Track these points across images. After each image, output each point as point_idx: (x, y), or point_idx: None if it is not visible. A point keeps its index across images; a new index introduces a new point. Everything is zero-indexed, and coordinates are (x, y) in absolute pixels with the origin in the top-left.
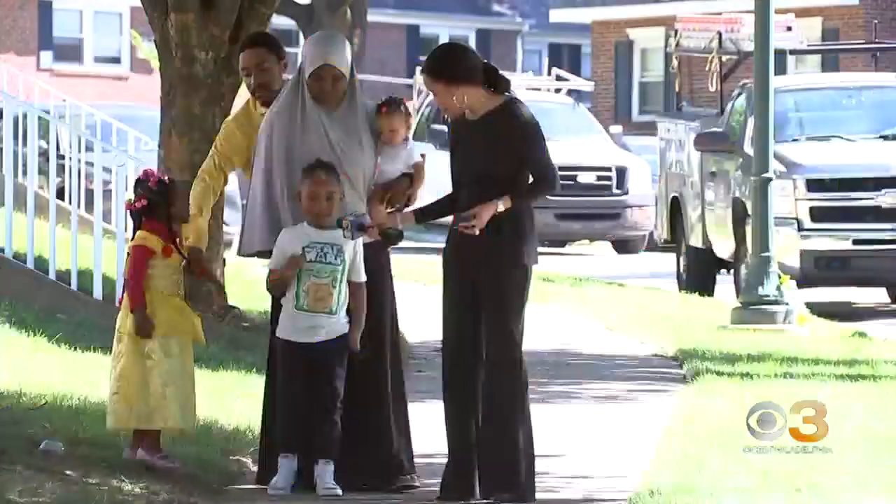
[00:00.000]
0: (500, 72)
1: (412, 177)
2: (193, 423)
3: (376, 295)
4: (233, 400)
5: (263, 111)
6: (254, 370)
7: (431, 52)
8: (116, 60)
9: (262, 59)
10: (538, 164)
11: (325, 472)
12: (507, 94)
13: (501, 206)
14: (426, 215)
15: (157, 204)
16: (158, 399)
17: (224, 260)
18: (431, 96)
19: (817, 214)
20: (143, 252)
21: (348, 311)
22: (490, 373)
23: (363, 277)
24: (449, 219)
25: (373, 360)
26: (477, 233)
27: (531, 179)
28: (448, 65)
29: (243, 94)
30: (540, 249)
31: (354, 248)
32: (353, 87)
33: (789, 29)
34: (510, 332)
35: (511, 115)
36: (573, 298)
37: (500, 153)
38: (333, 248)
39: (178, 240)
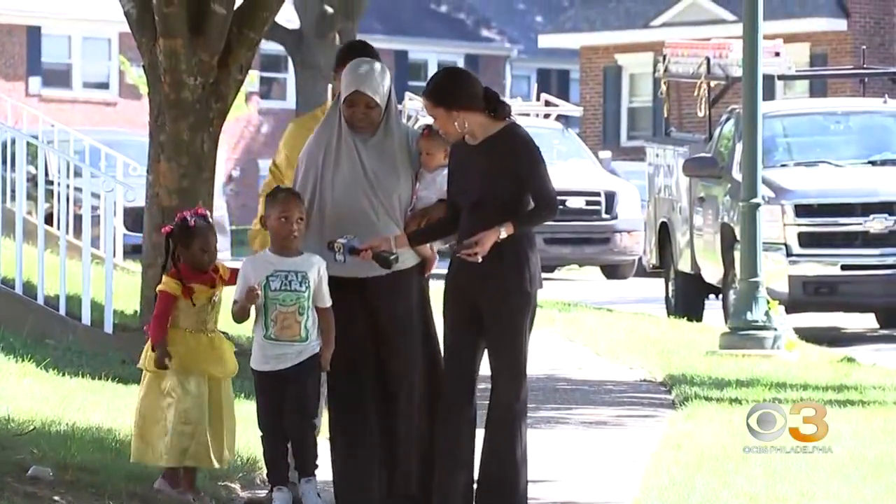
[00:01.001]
0: (501, 97)
1: None
2: (223, 457)
3: (403, 334)
4: None
5: None
6: (242, 395)
7: (432, 77)
8: (105, 86)
9: None
10: (540, 189)
11: (308, 491)
12: (507, 119)
13: (504, 233)
14: (420, 238)
15: (174, 238)
16: (177, 437)
17: None
18: (421, 121)
19: (805, 240)
20: (165, 297)
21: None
22: (493, 397)
23: (328, 303)
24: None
25: (403, 399)
26: (480, 260)
27: (531, 205)
28: (449, 90)
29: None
30: None
31: (319, 274)
32: (389, 115)
33: (777, 54)
34: (515, 357)
35: (512, 141)
36: (562, 324)
37: (501, 178)
38: (298, 274)
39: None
